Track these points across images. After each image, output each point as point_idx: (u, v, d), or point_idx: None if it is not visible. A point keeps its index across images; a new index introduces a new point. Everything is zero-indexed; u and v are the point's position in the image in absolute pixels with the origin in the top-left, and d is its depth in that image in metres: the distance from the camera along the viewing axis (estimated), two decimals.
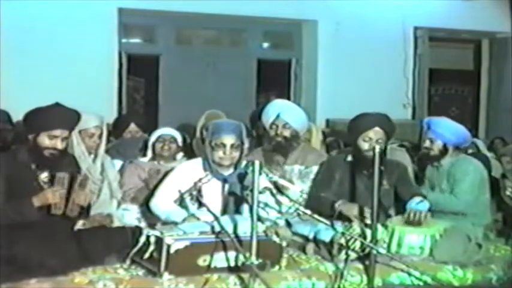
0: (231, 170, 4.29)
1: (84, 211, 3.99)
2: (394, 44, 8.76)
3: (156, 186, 4.51)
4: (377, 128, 4.57)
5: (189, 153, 5.08)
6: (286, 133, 4.81)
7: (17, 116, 5.39)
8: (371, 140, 4.54)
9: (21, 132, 4.12)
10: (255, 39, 8.94)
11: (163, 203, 4.26)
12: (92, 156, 4.50)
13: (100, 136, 4.55)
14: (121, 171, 4.82)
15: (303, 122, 4.99)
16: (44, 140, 3.83)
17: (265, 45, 9.17)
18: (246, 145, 4.42)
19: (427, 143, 4.74)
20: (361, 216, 4.22)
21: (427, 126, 4.81)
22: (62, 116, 3.93)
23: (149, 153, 4.92)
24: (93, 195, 4.21)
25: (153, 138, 4.94)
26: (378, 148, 3.77)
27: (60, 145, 3.87)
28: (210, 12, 7.99)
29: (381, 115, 4.70)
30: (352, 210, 4.31)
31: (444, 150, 4.71)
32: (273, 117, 4.86)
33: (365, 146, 4.56)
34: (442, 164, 4.74)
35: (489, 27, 9.25)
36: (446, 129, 4.73)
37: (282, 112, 4.84)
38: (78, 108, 4.14)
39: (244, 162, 4.29)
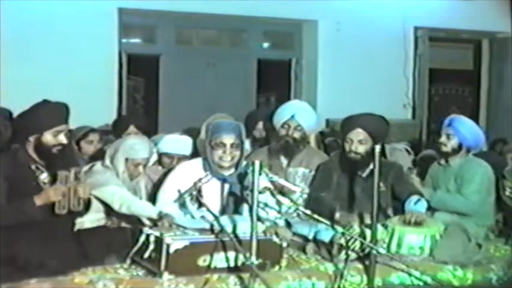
0: (232, 170, 4.27)
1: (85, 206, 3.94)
2: (394, 44, 8.75)
3: (157, 189, 4.42)
4: (358, 130, 4.55)
5: (193, 154, 5.04)
6: (297, 135, 4.85)
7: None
8: (352, 141, 4.54)
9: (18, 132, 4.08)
10: (255, 39, 8.92)
11: (171, 206, 4.13)
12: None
13: None
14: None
15: (314, 126, 5.04)
16: (49, 138, 3.81)
17: (266, 45, 9.15)
18: (247, 145, 4.41)
19: (443, 138, 4.73)
20: (361, 221, 4.21)
21: (448, 123, 4.78)
22: (60, 111, 3.93)
23: (155, 156, 4.83)
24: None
25: (162, 149, 4.86)
26: (378, 148, 3.76)
27: (65, 140, 3.87)
28: (210, 12, 7.98)
29: (367, 116, 4.66)
30: (351, 218, 4.30)
31: (457, 149, 4.71)
32: (287, 117, 4.89)
33: (346, 147, 4.57)
34: (450, 164, 4.74)
35: (489, 27, 9.23)
36: (467, 129, 4.74)
37: (297, 113, 4.88)
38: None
39: (245, 163, 4.29)
